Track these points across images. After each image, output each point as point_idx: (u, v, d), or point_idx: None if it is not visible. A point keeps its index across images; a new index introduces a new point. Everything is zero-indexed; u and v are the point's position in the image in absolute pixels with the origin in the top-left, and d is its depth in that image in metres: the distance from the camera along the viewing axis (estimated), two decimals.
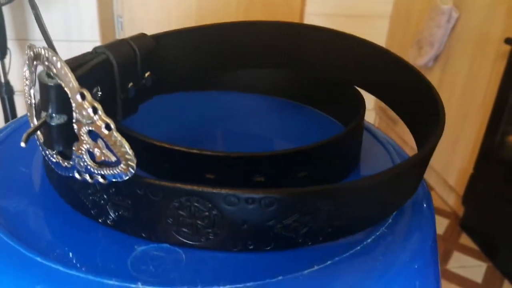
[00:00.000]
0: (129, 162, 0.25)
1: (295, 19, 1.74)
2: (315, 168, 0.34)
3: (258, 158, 0.32)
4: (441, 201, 1.49)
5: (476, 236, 1.32)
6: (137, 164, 0.26)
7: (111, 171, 0.26)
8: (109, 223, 0.29)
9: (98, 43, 1.47)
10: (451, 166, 1.43)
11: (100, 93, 0.31)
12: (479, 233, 1.32)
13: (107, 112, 0.31)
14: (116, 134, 0.25)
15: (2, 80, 1.31)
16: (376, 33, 1.74)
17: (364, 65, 0.41)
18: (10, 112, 1.37)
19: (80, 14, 1.44)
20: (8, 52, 1.29)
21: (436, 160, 1.50)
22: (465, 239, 1.33)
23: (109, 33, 1.59)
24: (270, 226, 0.27)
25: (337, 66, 0.43)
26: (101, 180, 0.27)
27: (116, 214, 0.29)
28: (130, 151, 0.25)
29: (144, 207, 0.27)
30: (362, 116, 0.38)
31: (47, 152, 0.29)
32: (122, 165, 0.26)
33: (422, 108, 0.37)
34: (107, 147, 0.26)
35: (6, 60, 1.30)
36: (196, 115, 0.46)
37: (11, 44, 1.39)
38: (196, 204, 0.26)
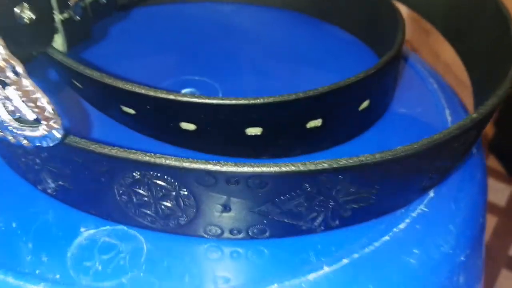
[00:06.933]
0: (51, 123, 0.17)
1: None
2: (332, 116, 0.25)
3: (253, 108, 0.23)
4: None
5: None
6: (65, 126, 0.17)
7: (32, 133, 0.18)
8: (50, 192, 0.22)
9: None
10: None
11: (29, 12, 0.21)
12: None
13: (45, 40, 0.22)
14: (27, 81, 0.16)
15: None
16: None
17: None
18: None
19: None
20: None
21: None
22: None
23: None
24: (264, 212, 0.19)
25: None
26: (24, 142, 0.19)
27: (56, 183, 0.21)
28: (49, 107, 0.17)
29: (88, 179, 0.20)
30: (400, 44, 0.28)
31: None
32: (43, 125, 0.17)
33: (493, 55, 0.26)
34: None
35: None
36: (183, 34, 0.36)
37: None
38: (156, 181, 0.18)
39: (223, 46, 0.36)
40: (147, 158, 0.18)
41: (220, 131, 0.24)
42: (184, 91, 0.32)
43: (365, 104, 0.27)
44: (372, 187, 0.19)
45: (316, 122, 0.25)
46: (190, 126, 0.24)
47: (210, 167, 0.18)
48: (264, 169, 0.17)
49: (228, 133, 0.24)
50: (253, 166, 0.17)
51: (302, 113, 0.24)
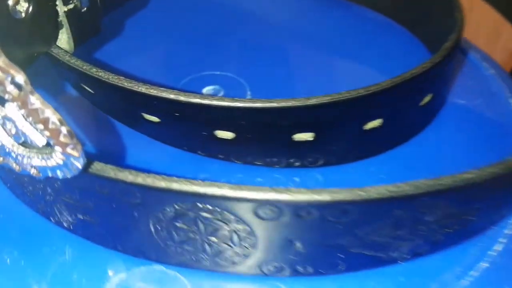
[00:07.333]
0: (69, 150, 0.13)
1: None
2: (393, 114, 0.21)
3: (306, 109, 0.19)
4: None
5: None
6: (86, 152, 0.13)
7: (44, 162, 0.14)
8: (66, 226, 0.18)
9: None
10: None
11: (26, 4, 0.17)
12: None
13: (47, 37, 0.18)
14: (32, 96, 0.12)
15: None
16: None
17: None
18: None
19: None
20: None
21: None
22: None
23: None
24: (339, 245, 0.15)
25: None
26: (32, 172, 0.15)
27: (73, 217, 0.17)
28: (64, 129, 0.13)
29: (116, 213, 0.16)
30: (462, 25, 0.24)
31: None
32: (57, 153, 0.13)
33: None
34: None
35: None
36: (199, 24, 0.32)
37: None
38: (204, 214, 0.14)
39: (244, 35, 0.32)
40: (194, 188, 0.14)
41: (263, 139, 0.20)
42: (206, 89, 0.27)
43: (428, 98, 0.23)
44: (472, 207, 0.16)
45: (375, 123, 0.21)
46: (228, 134, 0.20)
47: (274, 196, 0.14)
48: (347, 195, 0.14)
49: (272, 140, 0.20)
50: (331, 193, 0.14)
51: (361, 113, 0.20)
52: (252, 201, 0.14)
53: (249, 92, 0.27)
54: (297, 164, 0.22)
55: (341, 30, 0.33)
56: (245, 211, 0.14)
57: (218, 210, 0.14)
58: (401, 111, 0.22)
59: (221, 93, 0.27)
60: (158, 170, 0.21)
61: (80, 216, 0.17)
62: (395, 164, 0.23)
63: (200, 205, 0.14)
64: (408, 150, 0.23)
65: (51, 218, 0.18)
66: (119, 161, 0.20)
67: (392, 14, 0.33)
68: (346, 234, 0.15)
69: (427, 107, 0.23)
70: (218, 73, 0.29)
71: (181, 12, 0.32)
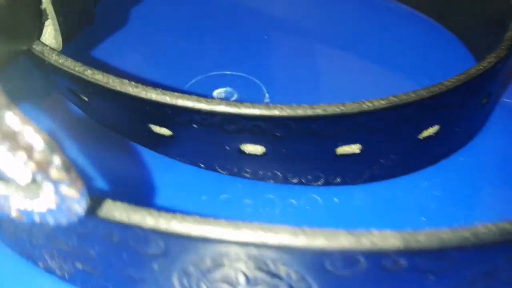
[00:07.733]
0: (64, 188, 0.09)
1: None
2: (450, 119, 0.18)
3: (356, 117, 0.15)
4: None
5: None
6: (88, 189, 0.09)
7: (29, 203, 0.10)
8: (59, 274, 0.14)
9: None
10: None
11: None
12: None
13: (28, 32, 0.14)
14: (10, 113, 0.08)
15: None
16: None
17: None
18: None
19: None
20: None
21: None
22: None
23: None
24: None
25: None
26: (14, 215, 0.11)
27: (69, 265, 0.13)
28: (57, 159, 0.09)
29: (128, 264, 0.12)
30: None
31: None
32: (48, 192, 0.09)
33: None
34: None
35: None
36: (206, 18, 0.28)
37: None
38: (251, 265, 0.11)
39: (257, 31, 0.28)
40: (243, 234, 0.10)
41: (299, 153, 0.17)
42: (216, 92, 0.24)
43: (486, 98, 0.19)
44: None
45: (431, 130, 0.17)
46: (257, 149, 0.16)
47: (350, 242, 0.10)
48: (449, 238, 0.10)
49: (311, 155, 0.17)
50: (428, 236, 0.10)
51: (419, 119, 0.17)
52: (318, 251, 0.10)
53: (267, 95, 0.23)
54: (337, 181, 0.18)
55: (363, 24, 0.29)
56: (306, 262, 0.10)
57: (271, 262, 0.10)
58: (460, 116, 0.18)
59: (235, 97, 0.23)
60: (169, 193, 0.17)
61: (79, 266, 0.13)
62: (450, 177, 0.19)
63: (246, 257, 0.10)
64: (463, 159, 0.20)
65: (39, 264, 0.14)
66: (122, 186, 0.16)
67: (419, 5, 0.30)
68: (436, 286, 0.11)
69: (484, 110, 0.20)
70: (228, 73, 0.25)
71: (186, 4, 0.28)
